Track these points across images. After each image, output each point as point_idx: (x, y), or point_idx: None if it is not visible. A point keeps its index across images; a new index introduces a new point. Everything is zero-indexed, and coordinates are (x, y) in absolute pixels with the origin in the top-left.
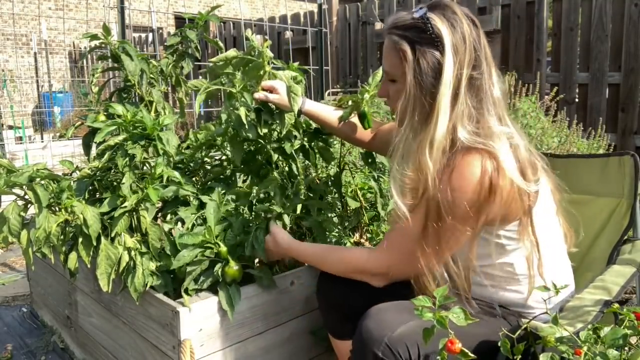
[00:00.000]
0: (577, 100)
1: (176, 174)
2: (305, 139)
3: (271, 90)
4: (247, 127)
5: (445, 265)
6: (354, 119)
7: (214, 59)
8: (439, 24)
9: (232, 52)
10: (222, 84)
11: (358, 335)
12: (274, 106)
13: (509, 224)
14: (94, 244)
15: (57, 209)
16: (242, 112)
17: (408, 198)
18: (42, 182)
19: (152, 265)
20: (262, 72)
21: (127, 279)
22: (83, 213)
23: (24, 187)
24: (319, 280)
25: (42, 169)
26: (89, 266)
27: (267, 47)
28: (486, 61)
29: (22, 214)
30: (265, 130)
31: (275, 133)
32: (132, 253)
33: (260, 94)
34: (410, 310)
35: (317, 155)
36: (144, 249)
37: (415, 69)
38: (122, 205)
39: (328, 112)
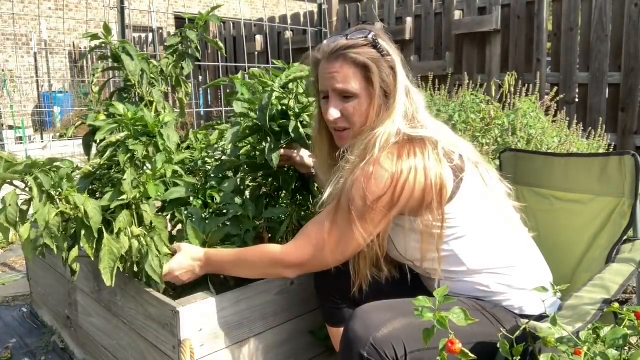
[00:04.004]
0: (577, 100)
1: (177, 168)
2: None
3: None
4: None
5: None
6: None
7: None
8: (380, 39)
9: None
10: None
11: (344, 336)
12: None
13: (423, 217)
14: (96, 236)
15: (56, 199)
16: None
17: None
18: (42, 170)
19: (166, 249)
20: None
21: (143, 264)
22: (84, 205)
23: (23, 175)
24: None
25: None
26: (92, 259)
27: None
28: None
29: (23, 207)
30: None
31: None
32: (142, 240)
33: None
34: (396, 309)
35: None
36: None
37: (380, 78)
38: (120, 198)
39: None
